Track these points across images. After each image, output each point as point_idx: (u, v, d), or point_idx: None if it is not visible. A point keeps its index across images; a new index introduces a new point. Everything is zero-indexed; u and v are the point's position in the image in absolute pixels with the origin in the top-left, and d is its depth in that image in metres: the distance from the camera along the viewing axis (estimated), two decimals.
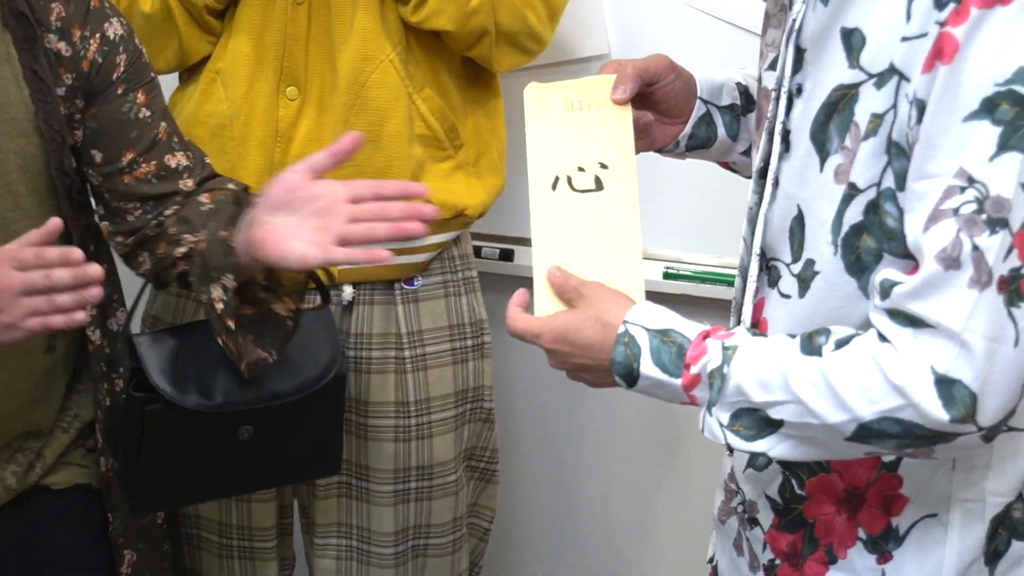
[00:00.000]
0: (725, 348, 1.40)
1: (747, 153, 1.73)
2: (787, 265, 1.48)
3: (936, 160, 1.29)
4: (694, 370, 1.41)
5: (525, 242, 2.58)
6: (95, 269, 1.63)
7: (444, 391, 2.28)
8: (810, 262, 1.44)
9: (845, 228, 1.40)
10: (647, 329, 1.45)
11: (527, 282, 2.60)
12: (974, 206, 1.26)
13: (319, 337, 2.00)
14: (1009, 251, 1.26)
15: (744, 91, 1.71)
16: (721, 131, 1.70)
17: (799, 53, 1.46)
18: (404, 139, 2.16)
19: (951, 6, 1.28)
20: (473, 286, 2.34)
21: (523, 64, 2.26)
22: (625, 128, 1.58)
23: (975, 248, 1.26)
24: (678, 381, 1.42)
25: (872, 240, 1.38)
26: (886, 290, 1.33)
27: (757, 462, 1.56)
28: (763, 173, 1.52)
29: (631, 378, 1.45)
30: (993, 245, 1.26)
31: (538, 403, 2.77)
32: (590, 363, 1.50)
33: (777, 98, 1.49)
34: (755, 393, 1.37)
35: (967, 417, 1.28)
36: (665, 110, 1.69)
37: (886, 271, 1.35)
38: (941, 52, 1.28)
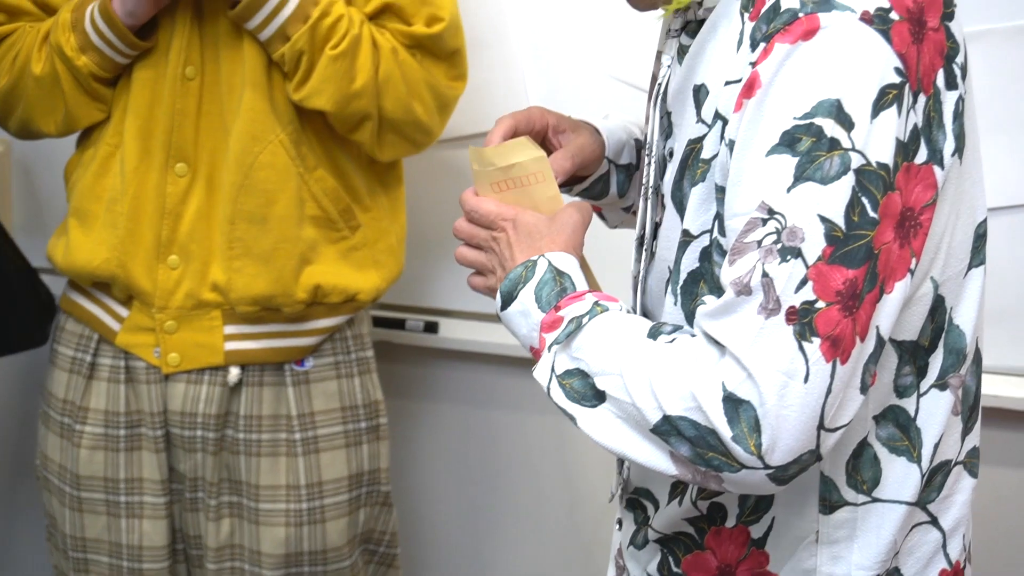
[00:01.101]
0: (596, 304, 1.39)
1: (628, 210, 1.73)
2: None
3: (742, 197, 1.28)
4: (560, 313, 1.40)
5: (451, 314, 2.63)
6: None
7: (337, 474, 2.25)
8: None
9: (683, 276, 1.40)
10: (551, 264, 1.44)
11: (453, 355, 2.63)
12: (774, 237, 1.25)
13: None
14: (803, 283, 1.24)
15: (640, 149, 1.70)
16: (613, 188, 1.69)
17: (668, 117, 1.46)
18: (293, 221, 2.15)
19: (761, 46, 1.28)
20: (368, 367, 2.31)
21: (408, 154, 2.25)
22: (551, 205, 1.54)
23: (765, 275, 1.25)
24: (542, 315, 1.41)
25: (707, 288, 1.37)
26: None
27: (636, 540, 1.54)
28: (642, 240, 1.52)
29: (509, 298, 1.44)
30: (783, 273, 1.24)
31: (439, 484, 2.74)
32: (504, 261, 1.49)
33: (649, 163, 1.50)
34: (594, 357, 1.35)
35: (752, 447, 1.25)
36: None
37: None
38: (749, 89, 1.28)
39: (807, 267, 1.24)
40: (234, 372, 2.19)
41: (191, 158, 2.14)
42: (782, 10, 1.28)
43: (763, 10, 1.30)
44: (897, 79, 1.26)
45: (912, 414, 1.40)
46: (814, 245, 1.24)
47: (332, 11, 2.06)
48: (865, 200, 1.25)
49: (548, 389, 1.38)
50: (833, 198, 1.24)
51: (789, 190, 1.25)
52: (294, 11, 2.04)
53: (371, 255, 2.23)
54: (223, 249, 2.15)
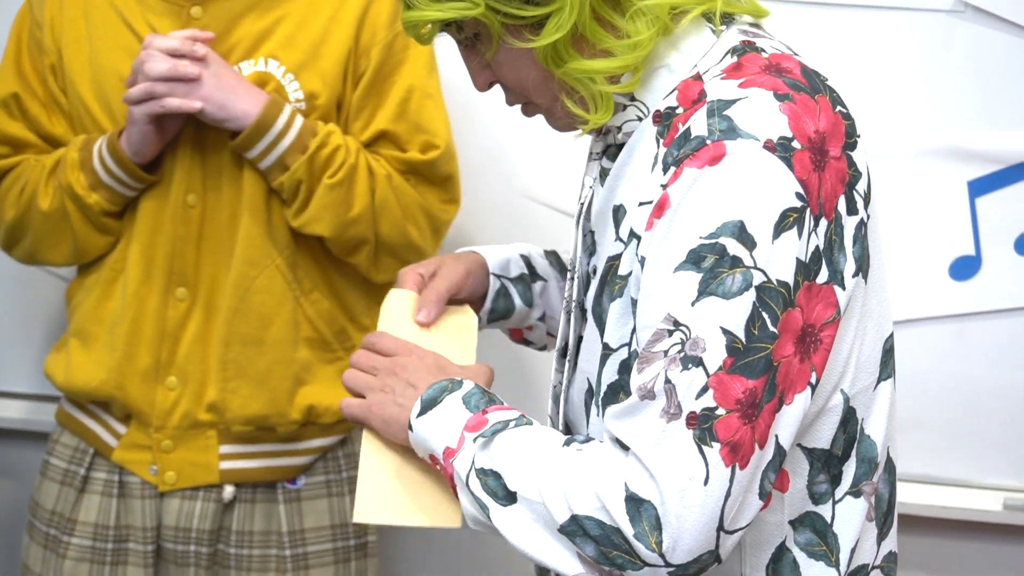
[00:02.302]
0: (522, 416, 1.45)
1: (543, 320, 1.79)
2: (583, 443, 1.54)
3: (650, 309, 1.35)
4: (486, 416, 1.44)
5: None
6: None
7: None
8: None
9: (604, 389, 1.45)
10: (477, 385, 1.49)
11: None
12: (678, 347, 1.31)
13: None
14: (703, 390, 1.31)
15: (527, 261, 1.78)
16: (517, 301, 1.76)
17: (592, 236, 1.53)
18: (288, 343, 2.21)
19: (671, 169, 1.36)
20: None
21: None
22: (471, 338, 1.62)
23: (668, 381, 1.31)
24: (469, 415, 1.45)
25: (626, 398, 1.41)
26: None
27: None
28: (564, 352, 1.59)
29: (431, 403, 1.47)
30: (685, 380, 1.31)
31: None
32: (415, 381, 1.52)
33: (572, 279, 1.57)
34: (510, 460, 1.40)
35: (654, 544, 1.30)
36: (466, 299, 1.74)
37: None
38: (660, 209, 1.35)
39: (708, 375, 1.31)
40: (229, 490, 2.24)
41: (191, 283, 2.21)
42: (692, 136, 1.36)
43: (675, 136, 1.38)
44: (798, 203, 1.33)
45: (828, 520, 1.45)
46: (715, 355, 1.31)
47: (330, 141, 2.14)
48: (765, 315, 1.32)
49: (467, 478, 1.42)
50: (734, 312, 1.31)
51: (693, 303, 1.32)
52: (293, 142, 2.12)
53: None
54: (217, 370, 2.21)
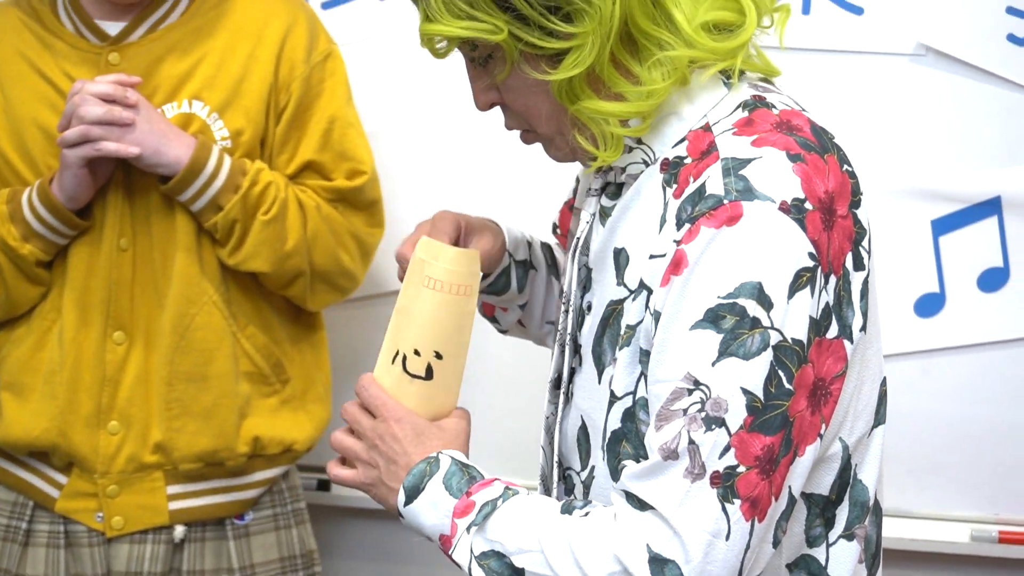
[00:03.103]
0: (507, 488, 1.46)
1: (523, 307, 1.81)
2: (577, 473, 1.56)
3: (666, 365, 1.37)
4: (472, 498, 1.45)
5: None
6: None
7: None
8: (593, 468, 1.52)
9: (608, 435, 1.47)
10: (454, 459, 1.50)
11: (347, 512, 2.62)
12: (698, 406, 1.34)
13: None
14: (726, 449, 1.34)
15: (530, 246, 1.79)
16: (514, 283, 1.77)
17: (588, 272, 1.55)
18: (231, 377, 2.23)
19: (686, 226, 1.38)
20: (302, 517, 2.38)
21: (337, 301, 2.36)
22: (467, 321, 1.59)
23: (691, 442, 1.34)
24: (454, 501, 1.45)
25: (630, 447, 1.45)
26: (620, 472, 1.41)
27: None
28: (557, 384, 1.61)
29: (415, 492, 1.48)
30: (708, 441, 1.34)
31: None
32: (394, 456, 1.52)
33: (567, 311, 1.59)
34: (510, 538, 1.42)
35: None
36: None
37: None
38: (676, 267, 1.37)
39: (730, 435, 1.34)
40: (179, 530, 2.25)
41: (128, 325, 2.21)
42: (707, 194, 1.38)
43: (688, 191, 1.40)
44: (811, 263, 1.37)
45: (823, 562, 1.49)
46: (736, 415, 1.34)
47: (260, 179, 2.17)
48: (782, 373, 1.35)
49: (470, 569, 1.44)
50: (754, 372, 1.34)
51: (714, 364, 1.35)
52: (225, 182, 2.14)
53: (302, 405, 2.31)
54: (162, 410, 2.21)
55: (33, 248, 2.18)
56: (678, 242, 1.38)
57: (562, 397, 1.60)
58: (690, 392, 1.35)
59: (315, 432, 2.33)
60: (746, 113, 1.45)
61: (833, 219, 1.40)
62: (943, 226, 2.42)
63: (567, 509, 1.43)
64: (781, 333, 1.35)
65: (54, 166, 2.18)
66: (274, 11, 2.24)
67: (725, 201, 1.37)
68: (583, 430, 1.54)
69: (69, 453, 2.22)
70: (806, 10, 2.38)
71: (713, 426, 1.34)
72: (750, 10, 1.45)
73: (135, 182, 2.19)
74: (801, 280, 1.36)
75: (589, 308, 1.55)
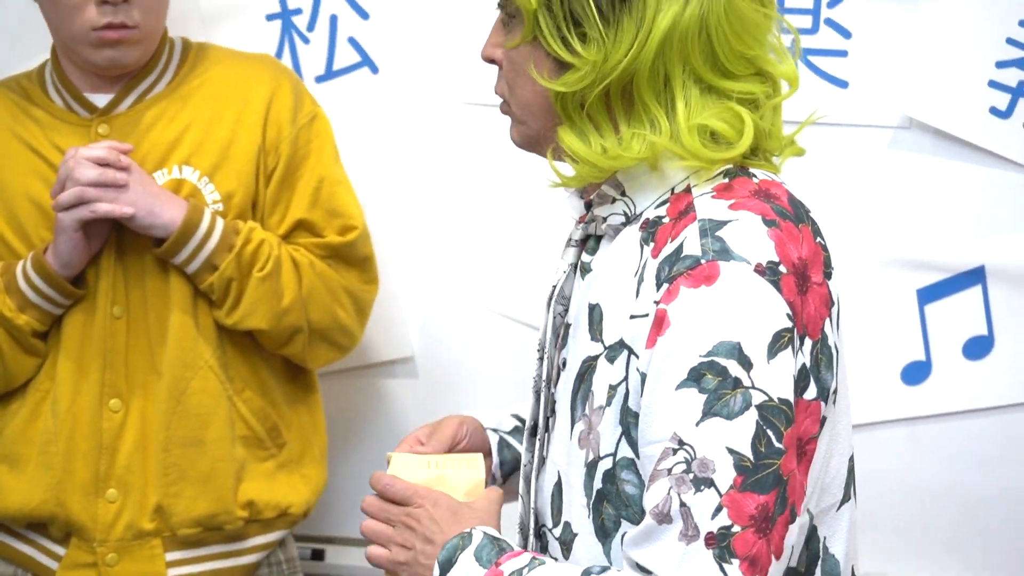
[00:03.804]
0: (534, 558, 1.47)
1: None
2: (550, 530, 1.57)
3: (655, 426, 1.38)
4: (501, 568, 1.47)
5: (337, 541, 2.63)
6: None
7: None
8: (567, 524, 1.52)
9: (593, 494, 1.48)
10: (486, 534, 1.52)
11: None
12: (683, 466, 1.35)
13: None
14: (718, 509, 1.34)
15: (516, 416, 1.81)
16: (519, 448, 1.78)
17: (565, 327, 1.57)
18: (227, 441, 2.24)
19: (665, 286, 1.40)
20: None
21: (336, 360, 2.37)
22: (478, 485, 1.64)
23: (683, 504, 1.35)
24: (483, 572, 1.47)
25: (611, 507, 1.47)
26: (606, 531, 1.44)
27: None
28: (533, 431, 1.63)
29: (448, 565, 1.50)
30: (699, 502, 1.34)
31: None
32: (432, 536, 1.55)
33: (542, 360, 1.62)
34: None
35: None
36: (469, 449, 1.76)
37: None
38: (659, 327, 1.39)
39: (720, 495, 1.34)
40: None
41: (124, 393, 2.21)
42: (683, 255, 1.40)
43: (665, 251, 1.42)
44: (788, 324, 1.38)
45: None
46: (725, 475, 1.35)
47: (253, 237, 2.19)
48: (770, 432, 1.36)
49: None
50: (739, 432, 1.35)
51: (698, 424, 1.36)
52: (219, 242, 2.17)
53: (298, 468, 2.32)
54: (159, 476, 2.21)
55: (29, 319, 2.18)
56: (657, 302, 1.40)
57: (538, 444, 1.62)
58: (674, 451, 1.36)
59: (311, 496, 2.34)
60: (727, 180, 1.46)
61: (807, 284, 1.42)
62: (928, 295, 2.44)
63: (586, 574, 1.44)
64: (765, 393, 1.36)
65: (47, 239, 2.19)
66: (259, 76, 2.28)
67: (702, 261, 1.39)
68: (558, 486, 1.56)
69: (67, 523, 2.22)
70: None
71: (702, 487, 1.35)
72: (747, 135, 1.46)
73: (128, 247, 2.21)
74: (782, 340, 1.38)
75: (564, 364, 1.57)
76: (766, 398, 1.36)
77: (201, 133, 2.24)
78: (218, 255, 2.17)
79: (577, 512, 1.51)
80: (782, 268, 1.39)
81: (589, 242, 1.56)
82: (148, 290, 2.21)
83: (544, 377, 1.61)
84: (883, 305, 2.45)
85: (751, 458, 1.35)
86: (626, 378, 1.44)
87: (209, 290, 2.19)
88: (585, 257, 1.56)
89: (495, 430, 1.79)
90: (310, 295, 2.24)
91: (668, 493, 1.36)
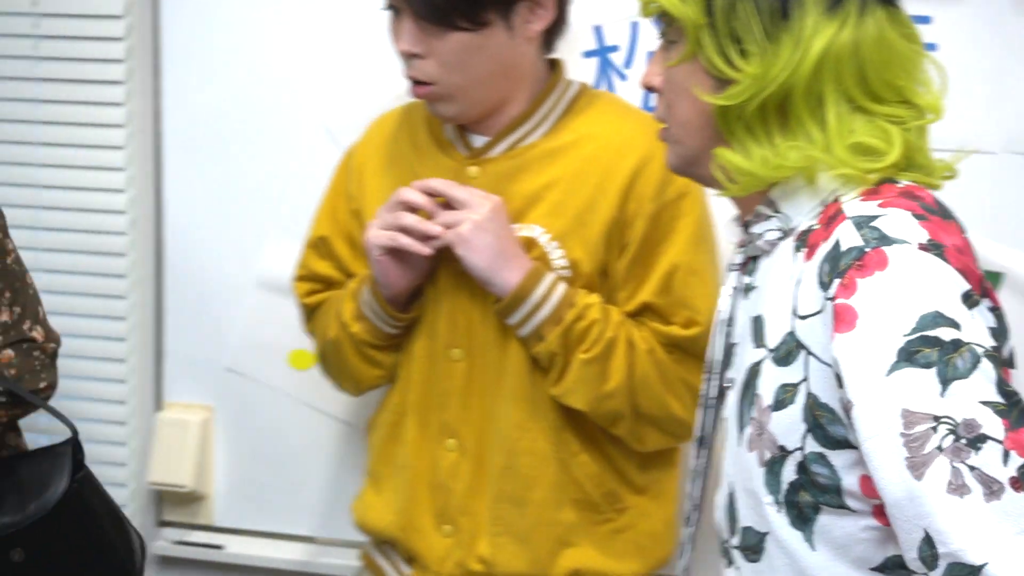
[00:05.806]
0: None
1: None
2: (727, 542, 1.62)
3: (876, 417, 1.38)
4: None
5: None
6: None
7: None
8: (747, 530, 1.56)
9: (784, 486, 1.50)
10: None
11: None
12: (952, 437, 1.35)
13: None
14: (1006, 456, 1.35)
15: None
16: None
17: (729, 348, 1.63)
18: (551, 505, 2.20)
19: (836, 282, 1.42)
20: None
21: (669, 445, 2.26)
22: None
23: (972, 468, 1.35)
24: None
25: (808, 495, 1.49)
26: (928, 559, 1.37)
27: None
28: (701, 441, 1.74)
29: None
30: (985, 459, 1.35)
31: None
32: None
33: (709, 379, 1.69)
34: None
35: None
36: None
37: (896, 554, 1.45)
38: (842, 322, 1.40)
39: (1000, 443, 1.35)
40: None
41: (460, 435, 2.22)
42: (845, 249, 1.42)
43: (821, 251, 1.45)
44: (967, 285, 1.41)
45: None
46: (993, 425, 1.35)
47: (587, 315, 2.12)
48: (1000, 373, 1.38)
49: None
50: (981, 385, 1.36)
51: (943, 394, 1.36)
52: (550, 313, 2.11)
53: (634, 538, 2.25)
54: (488, 524, 2.22)
55: (360, 328, 2.24)
56: (832, 298, 1.42)
57: (706, 452, 1.72)
58: (934, 430, 1.36)
59: (642, 570, 2.27)
60: (874, 186, 1.51)
61: (968, 261, 1.44)
62: None
63: None
64: (980, 345, 1.38)
65: None
66: (634, 143, 2.16)
67: (867, 249, 1.41)
68: (730, 498, 1.60)
69: (407, 548, 2.29)
70: None
71: (979, 445, 1.35)
72: (896, 146, 1.49)
73: (468, 297, 2.20)
74: (972, 299, 1.41)
75: (731, 383, 1.62)
76: (984, 348, 1.38)
77: (561, 193, 2.17)
78: (546, 326, 2.13)
79: (761, 513, 1.54)
80: (944, 244, 1.42)
81: (749, 264, 1.62)
82: (489, 341, 2.20)
83: (713, 394, 1.70)
84: None
85: (1003, 401, 1.37)
86: (806, 377, 1.47)
87: (537, 357, 2.16)
88: (746, 278, 1.61)
89: None
90: (642, 383, 2.15)
91: (952, 466, 1.36)
